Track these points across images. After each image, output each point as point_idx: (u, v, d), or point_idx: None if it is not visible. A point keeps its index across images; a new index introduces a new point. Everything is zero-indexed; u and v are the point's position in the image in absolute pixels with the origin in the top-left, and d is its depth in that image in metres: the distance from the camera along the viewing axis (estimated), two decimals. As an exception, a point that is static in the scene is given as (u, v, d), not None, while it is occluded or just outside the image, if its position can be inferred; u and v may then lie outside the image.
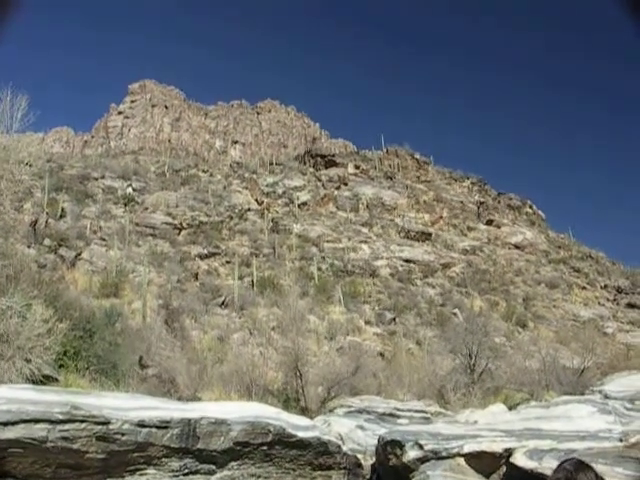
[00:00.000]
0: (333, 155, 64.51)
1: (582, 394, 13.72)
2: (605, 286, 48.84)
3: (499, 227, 54.93)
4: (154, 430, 8.86)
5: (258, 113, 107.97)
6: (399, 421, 13.44)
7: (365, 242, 45.75)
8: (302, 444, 10.12)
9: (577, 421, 10.99)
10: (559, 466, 3.01)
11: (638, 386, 12.85)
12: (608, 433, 10.35)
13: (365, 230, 48.23)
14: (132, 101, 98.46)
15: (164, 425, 8.98)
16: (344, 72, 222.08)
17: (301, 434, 10.12)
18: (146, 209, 43.40)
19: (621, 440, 9.92)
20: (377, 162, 61.51)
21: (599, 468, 9.17)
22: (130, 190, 46.41)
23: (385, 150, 64.89)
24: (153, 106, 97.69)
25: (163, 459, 8.93)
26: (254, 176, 55.71)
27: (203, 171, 56.84)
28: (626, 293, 47.50)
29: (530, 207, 63.57)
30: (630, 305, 45.23)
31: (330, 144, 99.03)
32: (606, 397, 12.33)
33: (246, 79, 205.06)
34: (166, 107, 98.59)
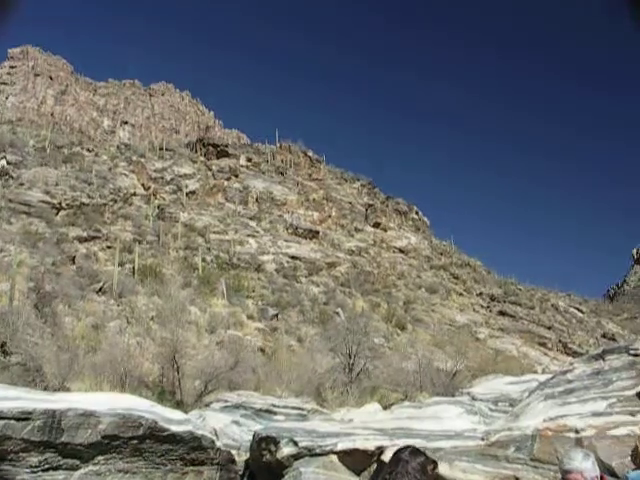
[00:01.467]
0: (226, 145, 63.35)
1: (453, 396, 14.13)
2: (480, 293, 51.17)
3: (385, 230, 56.27)
4: (12, 422, 8.20)
5: (151, 95, 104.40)
6: (275, 417, 13.33)
7: (252, 236, 45.35)
8: (174, 438, 9.74)
9: (446, 421, 11.37)
10: (394, 456, 3.21)
11: (502, 389, 13.52)
12: (473, 432, 10.75)
13: (253, 224, 47.80)
14: (12, 67, 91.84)
15: (25, 417, 8.33)
16: (242, 61, 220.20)
17: (174, 428, 9.74)
18: (22, 185, 40.56)
19: (483, 439, 10.26)
20: (270, 156, 61.12)
21: (462, 465, 9.77)
22: (4, 163, 43.20)
23: (279, 145, 64.60)
24: (36, 75, 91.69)
25: (21, 454, 8.29)
26: (142, 160, 53.52)
27: (88, 150, 53.89)
28: (498, 301, 49.96)
29: (416, 213, 65.62)
30: (501, 313, 47.61)
31: (223, 134, 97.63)
32: (473, 399, 12.85)
33: (140, 59, 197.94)
34: (51, 78, 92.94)
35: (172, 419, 10.05)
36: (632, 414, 9.77)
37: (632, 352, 11.38)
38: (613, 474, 8.01)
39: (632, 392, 10.46)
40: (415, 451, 3.22)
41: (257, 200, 52.01)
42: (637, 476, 3.04)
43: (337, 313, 35.25)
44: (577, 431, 9.60)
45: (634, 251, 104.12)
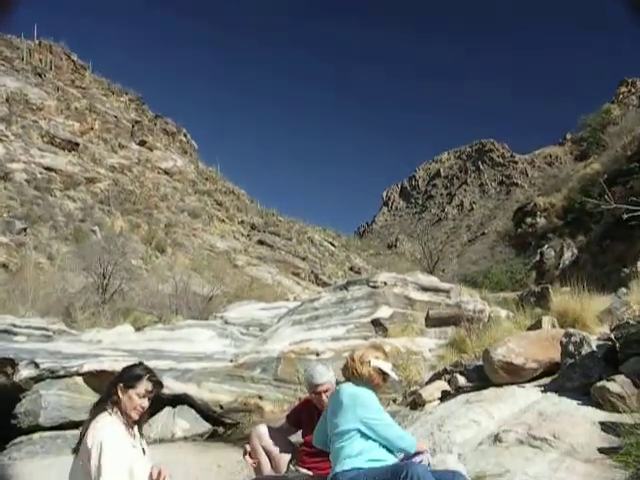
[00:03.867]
0: (-31, 33, 54.57)
1: (207, 319, 14.23)
2: (242, 222, 51.64)
3: (151, 150, 53.87)
4: None
5: None
6: (16, 338, 12.28)
7: (0, 140, 40.42)
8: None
9: (197, 344, 11.48)
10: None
11: (254, 314, 13.87)
12: (222, 355, 10.91)
13: (2, 127, 42.47)
14: None
15: None
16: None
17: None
18: None
19: (232, 361, 10.50)
20: (26, 53, 54.19)
21: (210, 385, 10.03)
22: None
23: (38, 42, 57.38)
24: None
25: None
26: None
27: None
28: (259, 230, 50.89)
29: (185, 135, 63.76)
30: (260, 242, 48.50)
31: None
32: (226, 323, 13.14)
33: None
34: None
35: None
36: (365, 338, 10.73)
37: (372, 284, 12.27)
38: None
39: (367, 319, 11.41)
40: (145, 368, 3.31)
41: (8, 100, 46.08)
42: (345, 387, 3.30)
43: (94, 231, 33.41)
44: (317, 354, 10.15)
45: (384, 193, 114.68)
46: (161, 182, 50.04)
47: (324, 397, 3.78)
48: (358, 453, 3.13)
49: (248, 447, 3.98)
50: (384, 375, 3.39)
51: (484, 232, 72.71)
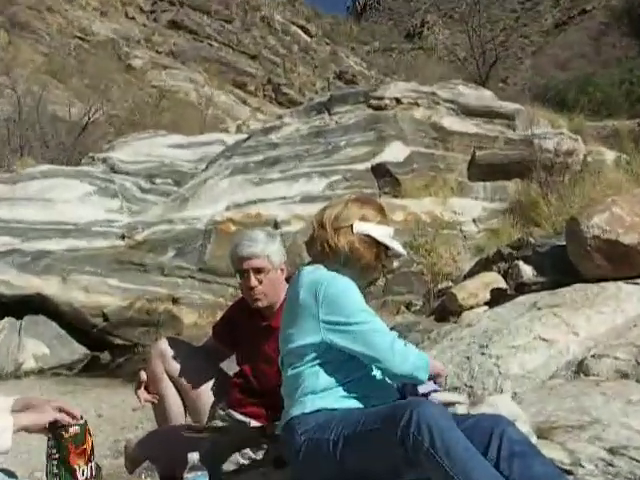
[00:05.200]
0: None
1: (77, 164, 11.75)
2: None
3: None
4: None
5: None
6: None
7: None
8: None
9: (61, 207, 9.03)
10: None
11: (163, 155, 11.15)
12: (107, 227, 8.74)
13: None
14: None
15: None
16: None
17: None
18: None
19: (124, 237, 8.48)
20: None
21: (83, 281, 7.83)
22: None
23: None
24: None
25: None
26: None
27: None
28: (171, 2, 36.36)
29: None
30: (174, 24, 34.57)
31: None
32: (113, 170, 10.58)
33: None
34: None
35: None
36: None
37: (374, 103, 9.68)
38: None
39: (365, 165, 9.08)
40: None
41: None
42: (306, 273, 2.26)
43: None
44: (276, 224, 8.28)
45: None
46: None
47: (252, 282, 2.76)
48: (326, 386, 2.23)
49: (144, 374, 2.95)
50: (378, 248, 2.32)
51: (584, 9, 46.03)
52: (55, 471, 2.11)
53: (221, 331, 3.21)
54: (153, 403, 3.08)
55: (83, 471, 2.02)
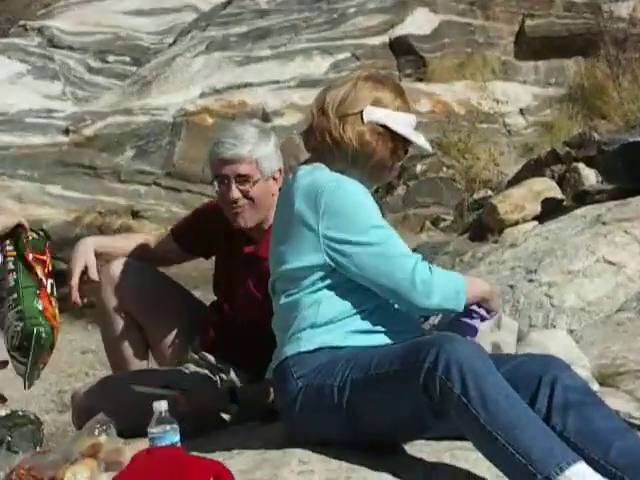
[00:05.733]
0: None
1: (5, 35, 10.49)
2: None
3: None
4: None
5: None
6: None
7: None
8: None
9: None
10: None
11: (119, 24, 9.88)
12: (46, 118, 7.82)
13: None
14: None
15: None
16: None
17: None
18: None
19: (68, 132, 7.52)
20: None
21: (16, 187, 7.15)
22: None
23: None
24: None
25: None
26: None
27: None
28: None
29: None
30: None
31: None
32: (52, 44, 9.54)
33: None
34: None
35: None
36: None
37: None
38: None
39: (381, 40, 8.08)
40: None
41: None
42: (302, 174, 2.02)
43: None
44: (266, 116, 7.55)
45: None
46: None
47: (235, 193, 2.44)
48: (330, 319, 1.98)
49: (79, 267, 2.50)
50: (396, 142, 2.03)
51: None
52: (11, 267, 2.15)
53: (186, 236, 2.80)
54: (82, 306, 2.75)
55: (42, 280, 1.98)
